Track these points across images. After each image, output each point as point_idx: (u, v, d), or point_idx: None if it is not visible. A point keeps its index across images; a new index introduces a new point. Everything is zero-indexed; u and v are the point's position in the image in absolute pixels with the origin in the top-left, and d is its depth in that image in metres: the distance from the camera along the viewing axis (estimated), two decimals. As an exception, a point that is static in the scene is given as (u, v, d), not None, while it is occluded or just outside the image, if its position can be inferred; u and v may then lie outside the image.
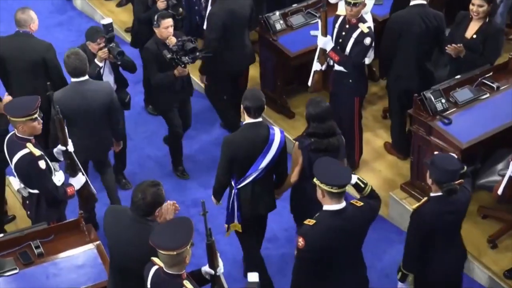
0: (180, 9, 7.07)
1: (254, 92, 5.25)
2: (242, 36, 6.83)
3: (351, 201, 4.52)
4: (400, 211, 6.33)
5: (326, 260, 4.43)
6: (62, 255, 4.89)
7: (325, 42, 6.24)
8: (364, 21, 6.19)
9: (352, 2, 6.02)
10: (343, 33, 6.22)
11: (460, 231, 4.93)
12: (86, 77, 5.75)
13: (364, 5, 6.13)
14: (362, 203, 4.48)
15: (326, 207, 4.40)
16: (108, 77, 6.29)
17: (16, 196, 6.22)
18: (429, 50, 6.52)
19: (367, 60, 6.60)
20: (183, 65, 6.25)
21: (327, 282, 4.52)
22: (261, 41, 7.34)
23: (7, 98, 5.71)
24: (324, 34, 6.23)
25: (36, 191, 5.18)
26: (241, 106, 5.16)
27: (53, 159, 5.32)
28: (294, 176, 5.29)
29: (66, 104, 5.55)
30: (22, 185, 5.20)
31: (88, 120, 5.76)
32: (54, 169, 5.24)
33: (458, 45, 6.28)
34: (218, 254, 4.17)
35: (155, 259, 4.02)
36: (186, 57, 6.21)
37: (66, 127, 5.21)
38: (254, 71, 7.70)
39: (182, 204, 6.60)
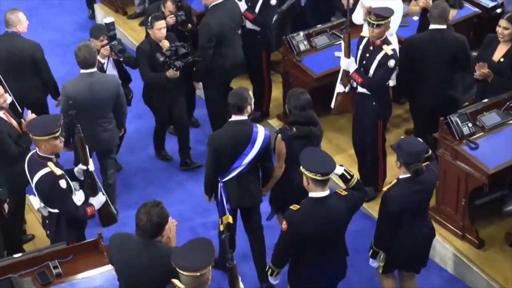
0: (189, 25, 7.22)
1: (237, 90, 5.60)
2: (233, 45, 7.08)
3: (336, 190, 4.86)
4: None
5: (307, 243, 4.78)
6: (80, 275, 4.88)
7: (348, 64, 6.25)
8: (388, 43, 6.18)
9: (375, 23, 6.03)
10: (367, 55, 6.22)
11: (428, 210, 5.31)
12: (95, 69, 6.13)
13: (388, 27, 6.12)
14: (346, 193, 4.83)
15: (311, 194, 4.75)
16: (112, 73, 6.66)
17: (35, 215, 6.26)
18: (447, 74, 6.48)
19: (391, 83, 6.59)
20: (175, 69, 6.59)
21: (306, 264, 4.89)
22: (285, 61, 7.37)
23: (29, 116, 5.78)
24: (347, 55, 6.25)
25: (56, 211, 5.21)
26: None
27: (74, 178, 5.37)
28: (279, 168, 5.60)
29: (74, 94, 5.94)
30: (42, 204, 5.24)
31: (93, 110, 6.11)
32: (74, 188, 5.28)
33: (487, 70, 6.26)
34: (240, 278, 4.16)
35: (175, 281, 4.00)
36: (179, 62, 6.59)
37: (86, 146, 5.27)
38: (277, 92, 7.72)
39: (203, 226, 6.65)
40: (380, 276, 5.43)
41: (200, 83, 7.25)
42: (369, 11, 6.13)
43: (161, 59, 6.57)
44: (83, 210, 5.24)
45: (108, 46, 6.56)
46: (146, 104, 7.14)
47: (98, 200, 5.37)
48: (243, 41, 7.28)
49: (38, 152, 5.15)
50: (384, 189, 5.10)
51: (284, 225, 4.74)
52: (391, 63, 6.10)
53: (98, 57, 6.42)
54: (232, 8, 7.04)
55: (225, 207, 5.62)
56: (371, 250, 5.25)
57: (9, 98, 6.23)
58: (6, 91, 6.11)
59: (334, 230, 4.81)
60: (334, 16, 8.18)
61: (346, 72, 6.30)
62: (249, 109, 5.47)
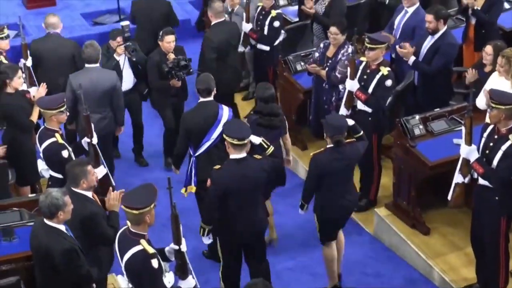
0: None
1: (204, 76, 7.04)
2: (230, 59, 8.63)
3: (253, 155, 6.20)
4: None
5: (229, 197, 6.11)
6: None
7: (469, 152, 6.16)
8: (516, 132, 6.08)
9: (490, 105, 5.98)
10: (491, 144, 6.11)
11: (352, 181, 6.59)
12: (97, 65, 7.72)
13: (505, 114, 5.95)
14: (260, 157, 6.24)
15: (230, 156, 6.14)
16: (128, 71, 8.29)
17: (119, 297, 6.36)
18: None
19: (517, 176, 6.43)
20: (177, 79, 8.08)
21: (229, 218, 6.18)
22: (397, 146, 7.32)
23: (115, 194, 5.89)
24: (468, 143, 6.16)
25: (144, 292, 5.28)
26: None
27: (164, 258, 5.44)
28: None
29: (77, 85, 7.30)
30: (130, 285, 5.29)
31: (93, 100, 7.45)
32: (165, 269, 5.33)
33: None
34: None
35: None
36: (181, 72, 8.06)
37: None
38: (387, 180, 7.65)
39: None
40: (323, 248, 6.67)
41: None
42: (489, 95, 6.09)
43: (166, 69, 8.03)
44: (173, 294, 5.28)
45: (123, 46, 8.09)
46: (154, 108, 8.58)
47: (188, 283, 5.39)
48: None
49: (130, 228, 5.25)
50: (311, 154, 6.43)
51: (209, 182, 6.15)
52: (518, 155, 5.97)
53: (114, 55, 8.14)
54: (232, 27, 8.74)
55: (193, 179, 6.97)
56: (300, 203, 6.60)
57: (103, 171, 6.48)
58: (99, 164, 6.42)
59: (250, 185, 6.14)
60: (452, 99, 8.08)
61: (466, 161, 6.20)
62: (214, 90, 6.92)
